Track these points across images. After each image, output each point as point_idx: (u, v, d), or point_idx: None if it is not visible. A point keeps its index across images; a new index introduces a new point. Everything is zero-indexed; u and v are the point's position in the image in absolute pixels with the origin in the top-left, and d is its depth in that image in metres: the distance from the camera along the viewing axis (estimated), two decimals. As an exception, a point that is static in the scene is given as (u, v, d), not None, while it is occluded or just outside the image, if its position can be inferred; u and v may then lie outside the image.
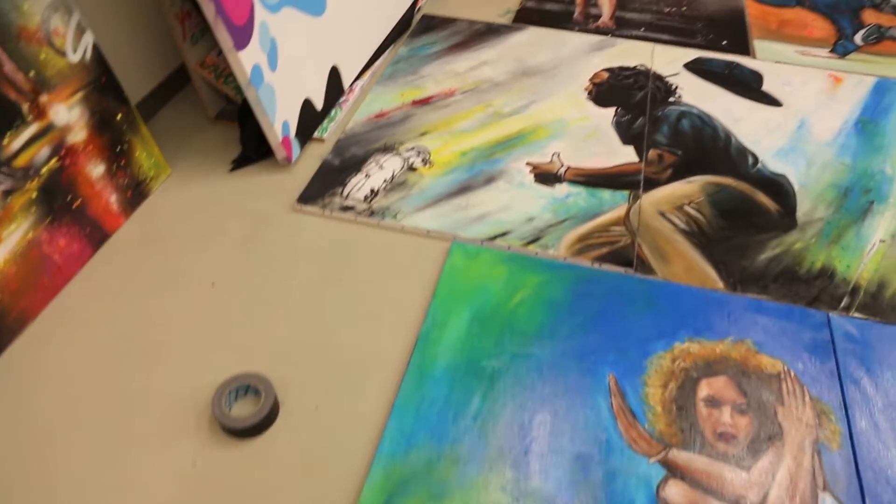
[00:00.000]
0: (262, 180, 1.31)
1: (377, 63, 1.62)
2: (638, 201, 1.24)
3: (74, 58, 1.11)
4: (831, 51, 1.68)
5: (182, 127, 1.44)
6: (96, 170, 1.16)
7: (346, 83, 1.50)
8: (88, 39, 1.13)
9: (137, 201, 1.26)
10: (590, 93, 1.52)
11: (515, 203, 1.24)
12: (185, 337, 1.04)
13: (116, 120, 1.19)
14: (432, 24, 1.77)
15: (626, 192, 1.26)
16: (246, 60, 1.18)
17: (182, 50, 1.34)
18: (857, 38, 1.73)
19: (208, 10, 1.11)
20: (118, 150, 1.20)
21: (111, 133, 1.18)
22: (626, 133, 1.40)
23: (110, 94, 1.18)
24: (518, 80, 1.55)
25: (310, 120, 1.38)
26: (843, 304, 1.08)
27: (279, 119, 1.27)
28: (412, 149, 1.35)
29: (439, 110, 1.46)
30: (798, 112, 1.47)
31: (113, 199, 1.20)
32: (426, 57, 1.64)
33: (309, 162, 1.35)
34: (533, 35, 1.72)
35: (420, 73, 1.58)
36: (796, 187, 1.28)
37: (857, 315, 1.07)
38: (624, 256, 1.14)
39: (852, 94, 1.52)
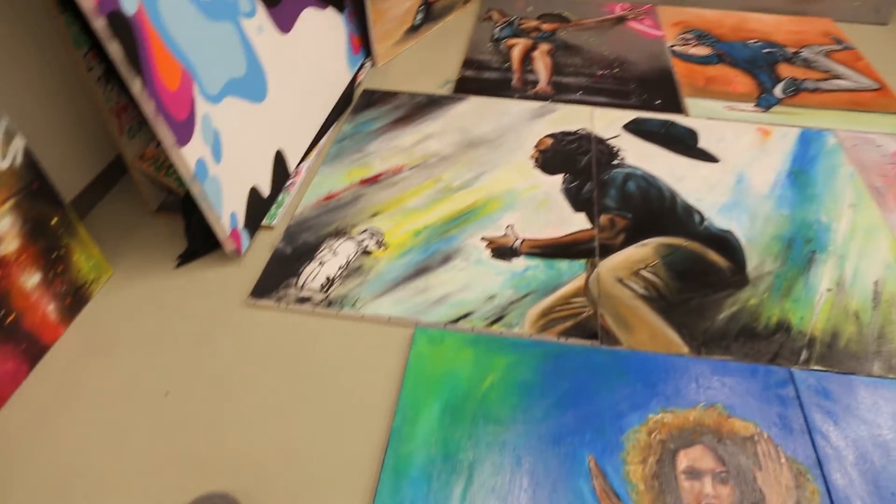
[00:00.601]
0: (211, 275, 1.26)
1: (322, 142, 1.61)
2: (595, 269, 1.25)
3: (3, 165, 1.05)
4: (756, 105, 1.77)
5: (122, 222, 1.38)
6: (31, 280, 1.09)
7: (291, 166, 1.48)
8: (19, 144, 1.08)
9: (78, 308, 1.19)
10: (536, 160, 1.54)
11: (475, 281, 1.22)
12: (140, 456, 0.97)
13: (51, 225, 1.13)
14: (373, 98, 1.78)
15: (582, 261, 1.27)
16: (189, 156, 1.14)
17: (119, 144, 1.30)
18: (778, 91, 1.83)
19: (148, 107, 1.08)
20: (54, 256, 1.14)
21: (46, 239, 1.12)
22: (576, 199, 1.42)
23: (43, 198, 1.12)
24: (465, 152, 1.56)
25: (257, 208, 1.35)
26: (802, 358, 1.11)
27: (226, 211, 1.24)
28: (365, 231, 1.33)
29: (389, 188, 1.45)
30: (735, 167, 1.53)
31: (50, 309, 1.13)
32: (370, 133, 1.64)
33: (259, 252, 1.30)
34: (474, 104, 1.75)
35: (365, 151, 1.57)
36: (743, 242, 1.32)
37: (816, 367, 1.09)
38: (588, 328, 1.14)
39: (781, 146, 1.60)
